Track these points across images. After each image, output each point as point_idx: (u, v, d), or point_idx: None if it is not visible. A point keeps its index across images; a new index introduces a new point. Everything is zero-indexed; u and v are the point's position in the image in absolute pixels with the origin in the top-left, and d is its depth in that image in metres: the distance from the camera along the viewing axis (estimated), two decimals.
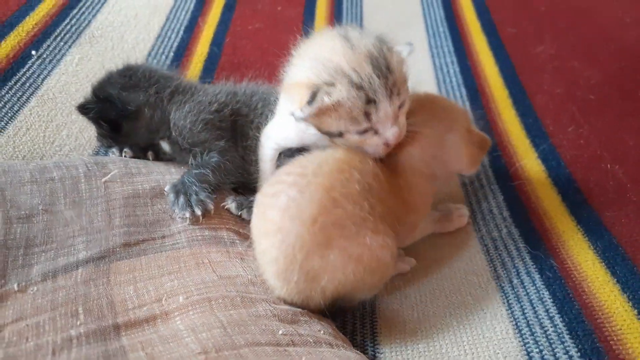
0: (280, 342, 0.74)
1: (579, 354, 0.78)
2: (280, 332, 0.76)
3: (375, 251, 0.81)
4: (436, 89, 1.55)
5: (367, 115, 0.80)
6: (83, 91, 1.39)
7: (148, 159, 1.17)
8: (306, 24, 1.88)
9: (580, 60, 1.47)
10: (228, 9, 1.89)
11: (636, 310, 0.82)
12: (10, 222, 0.87)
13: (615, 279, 0.88)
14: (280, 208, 0.81)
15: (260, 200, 0.89)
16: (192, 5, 1.88)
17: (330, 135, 0.85)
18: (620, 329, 0.80)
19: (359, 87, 0.78)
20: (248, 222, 0.97)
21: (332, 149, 0.89)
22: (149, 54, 1.61)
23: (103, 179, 1.02)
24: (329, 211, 0.79)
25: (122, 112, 1.05)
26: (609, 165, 1.12)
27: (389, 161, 0.91)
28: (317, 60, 0.82)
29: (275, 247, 0.80)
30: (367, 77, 0.78)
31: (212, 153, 1.05)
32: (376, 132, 0.83)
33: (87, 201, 0.96)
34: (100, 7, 1.73)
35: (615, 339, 0.79)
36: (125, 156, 1.15)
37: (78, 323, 0.74)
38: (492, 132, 1.34)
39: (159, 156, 1.18)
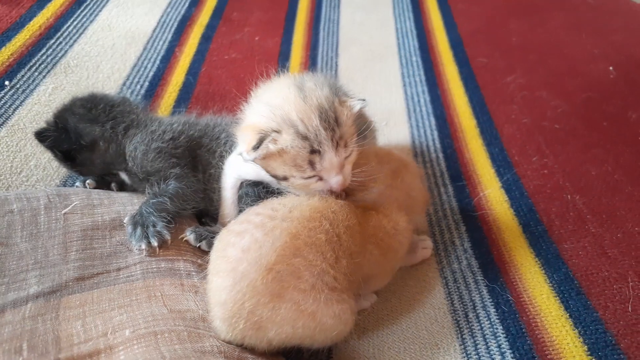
0: None
1: None
2: None
3: (330, 309, 0.78)
4: (406, 118, 1.56)
5: (312, 163, 0.82)
6: None
7: (112, 190, 1.18)
8: (283, 54, 1.91)
9: (548, 90, 1.49)
10: (205, 39, 1.92)
11: (586, 346, 0.82)
12: None
13: (568, 314, 0.89)
14: (241, 248, 0.79)
15: (224, 236, 0.86)
16: (169, 36, 1.90)
17: (276, 177, 0.86)
18: None
19: (304, 138, 0.80)
20: (207, 252, 0.97)
21: (308, 195, 0.88)
22: (124, 84, 1.63)
23: (63, 211, 1.02)
24: (288, 260, 0.77)
25: (75, 144, 1.07)
26: (569, 196, 1.13)
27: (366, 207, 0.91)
28: (269, 107, 0.84)
29: (226, 289, 0.78)
30: (313, 128, 0.80)
31: (168, 181, 1.06)
32: (320, 179, 0.85)
33: (44, 234, 0.96)
34: (77, 37, 1.75)
35: None
36: (87, 187, 1.16)
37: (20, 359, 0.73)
38: (458, 162, 1.35)
39: (124, 186, 1.19)
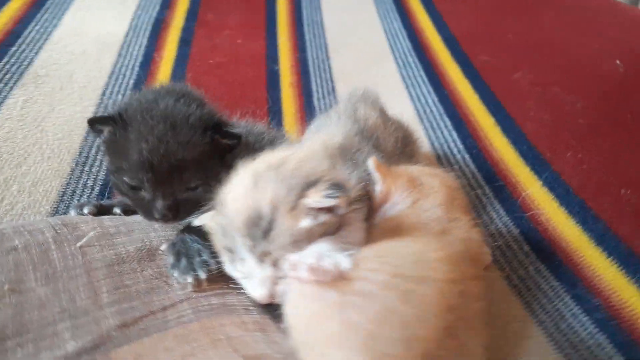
0: None
1: None
2: None
3: None
4: (417, 120, 1.49)
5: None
6: (32, 137, 1.21)
7: (116, 214, 1.01)
8: (270, 57, 1.78)
9: (561, 87, 1.47)
10: (185, 44, 1.76)
11: None
12: None
13: None
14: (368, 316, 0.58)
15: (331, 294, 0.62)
16: (144, 41, 1.72)
17: None
18: None
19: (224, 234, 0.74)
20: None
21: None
22: (103, 94, 1.44)
23: (78, 244, 0.84)
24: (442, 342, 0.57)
25: None
26: (622, 191, 1.08)
27: None
28: (223, 194, 0.76)
29: None
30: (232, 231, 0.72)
31: None
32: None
33: (63, 274, 0.78)
34: (42, 44, 1.54)
35: None
36: (87, 213, 0.98)
37: None
38: (487, 162, 1.28)
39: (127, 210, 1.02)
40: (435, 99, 1.56)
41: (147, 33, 1.75)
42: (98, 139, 0.93)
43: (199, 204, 0.86)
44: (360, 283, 0.60)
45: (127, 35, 1.72)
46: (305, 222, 0.68)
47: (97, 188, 1.15)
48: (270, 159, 0.77)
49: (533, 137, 1.32)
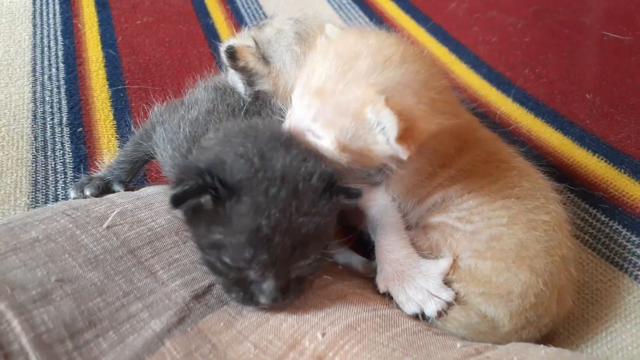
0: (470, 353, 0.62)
1: None
2: (459, 345, 0.64)
3: None
4: None
5: None
6: None
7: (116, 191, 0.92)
8: (200, 12, 1.67)
9: (497, 10, 1.55)
10: (102, 7, 1.58)
11: None
12: (27, 311, 0.59)
13: None
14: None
15: None
16: (57, 7, 1.52)
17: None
18: None
19: None
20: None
21: None
22: (34, 69, 1.27)
23: (104, 225, 0.75)
24: None
25: None
26: (587, 96, 1.19)
27: None
28: None
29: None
30: None
31: None
32: None
33: (106, 256, 0.70)
34: None
35: None
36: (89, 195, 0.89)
37: None
38: (455, 89, 1.34)
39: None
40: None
41: None
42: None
43: (309, 280, 0.70)
44: None
45: (34, 2, 1.51)
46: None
47: (70, 171, 1.03)
48: None
49: (489, 59, 1.39)
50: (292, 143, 0.71)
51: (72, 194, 0.90)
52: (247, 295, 0.66)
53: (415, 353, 0.59)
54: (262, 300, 0.65)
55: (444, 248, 0.77)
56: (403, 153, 0.66)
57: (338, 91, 0.68)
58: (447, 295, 0.73)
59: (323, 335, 0.63)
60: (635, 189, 0.96)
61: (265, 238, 0.62)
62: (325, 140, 0.70)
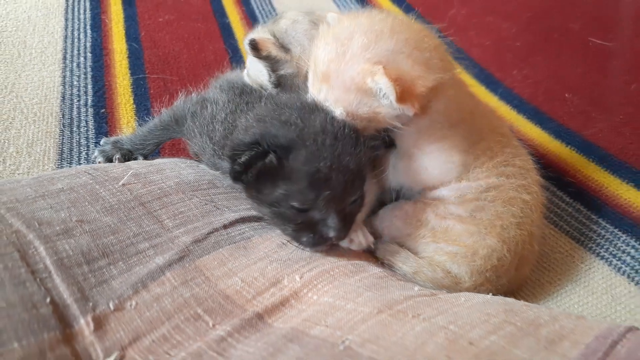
0: (425, 293, 0.72)
1: None
2: (416, 288, 0.74)
3: None
4: None
5: None
6: (9, 103, 1.18)
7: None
8: (217, 12, 1.81)
9: (493, 16, 1.65)
10: (129, 5, 1.73)
11: None
12: (52, 241, 0.70)
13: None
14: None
15: None
16: (87, 4, 1.67)
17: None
18: None
19: None
20: None
21: None
22: (64, 57, 1.41)
23: (121, 182, 0.87)
24: None
25: None
26: (566, 95, 1.28)
27: None
28: None
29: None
30: None
31: None
32: None
33: (120, 206, 0.82)
34: None
35: None
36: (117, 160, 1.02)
37: (212, 324, 0.64)
38: None
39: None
40: None
41: None
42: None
43: (355, 216, 0.84)
44: None
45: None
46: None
47: (92, 145, 1.16)
48: None
49: (481, 61, 1.50)
50: (318, 107, 0.84)
51: (99, 159, 1.03)
52: (316, 235, 0.80)
53: (376, 290, 0.69)
54: (331, 234, 0.79)
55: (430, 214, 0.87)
56: (409, 110, 0.75)
57: (340, 71, 0.78)
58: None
59: (301, 277, 0.74)
60: (601, 175, 1.05)
61: (324, 177, 0.77)
62: (336, 112, 0.81)
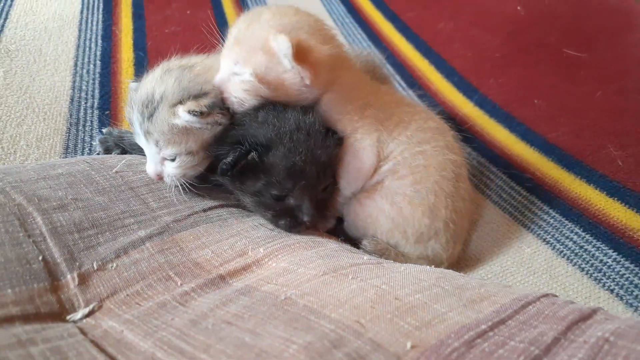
0: (371, 261, 0.81)
1: None
2: (365, 257, 0.83)
3: None
4: None
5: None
6: (23, 102, 1.30)
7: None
8: (221, 25, 1.93)
9: (477, 29, 1.75)
10: (138, 18, 1.86)
11: None
12: (48, 213, 0.81)
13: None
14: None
15: None
16: (100, 16, 1.81)
17: None
18: None
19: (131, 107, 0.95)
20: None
21: None
22: (75, 64, 1.54)
23: (114, 169, 0.98)
24: None
25: None
26: (535, 101, 1.37)
27: None
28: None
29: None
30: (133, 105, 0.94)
31: None
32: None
33: (111, 189, 0.92)
34: (4, 22, 1.59)
35: None
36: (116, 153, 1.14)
37: (179, 283, 0.74)
38: (427, 93, 1.54)
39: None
40: (376, 52, 1.79)
41: (101, 9, 1.84)
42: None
43: (326, 202, 0.98)
44: None
45: (82, 12, 1.80)
46: (178, 120, 0.89)
47: (95, 142, 1.28)
48: (186, 60, 1.00)
49: (462, 70, 1.59)
50: (289, 106, 0.94)
51: (98, 148, 1.15)
52: (292, 220, 0.92)
53: (328, 259, 0.79)
54: (305, 218, 0.91)
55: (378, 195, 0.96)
56: (307, 77, 0.86)
57: (249, 35, 0.90)
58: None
59: (265, 250, 0.84)
60: (557, 172, 1.14)
61: (300, 169, 0.88)
62: (245, 74, 0.90)
